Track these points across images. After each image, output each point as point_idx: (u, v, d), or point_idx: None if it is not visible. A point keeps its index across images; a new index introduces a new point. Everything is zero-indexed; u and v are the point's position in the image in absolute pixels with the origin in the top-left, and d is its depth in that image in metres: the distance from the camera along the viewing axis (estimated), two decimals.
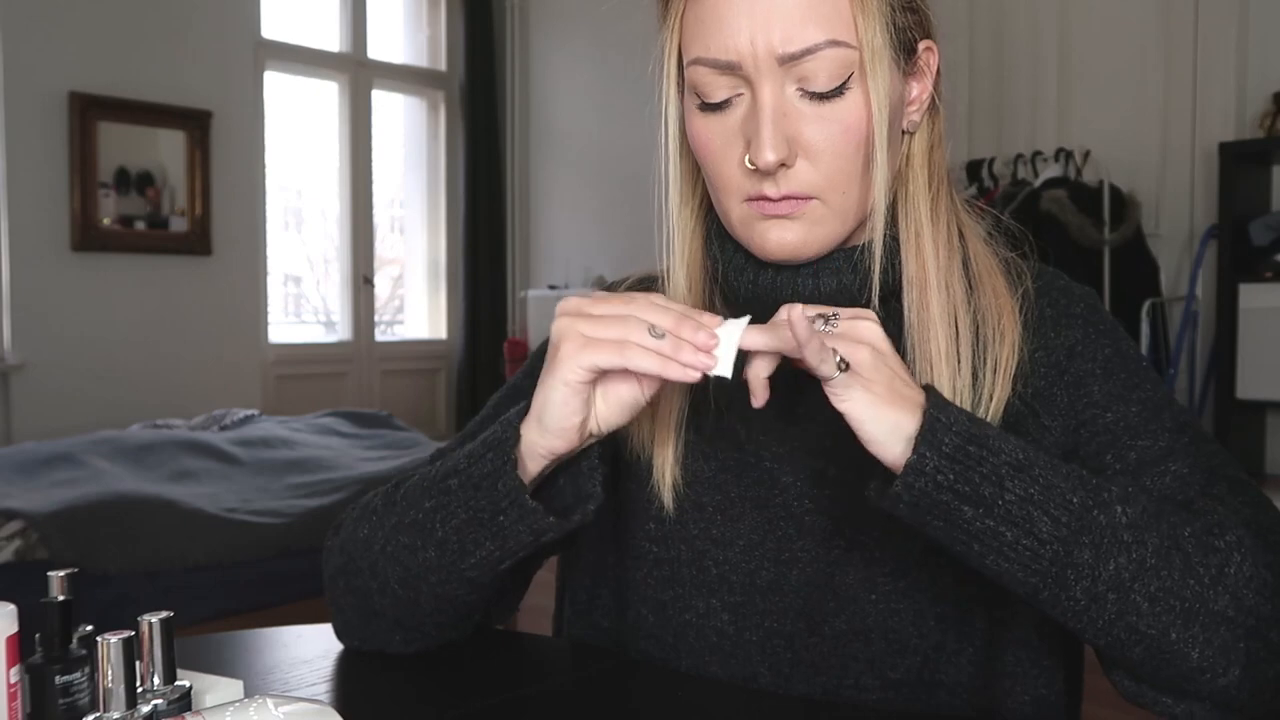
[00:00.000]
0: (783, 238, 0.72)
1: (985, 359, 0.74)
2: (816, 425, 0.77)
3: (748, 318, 0.63)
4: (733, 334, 0.62)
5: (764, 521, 0.77)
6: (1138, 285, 3.17)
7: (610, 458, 0.82)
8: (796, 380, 0.76)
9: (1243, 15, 3.14)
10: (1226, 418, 2.95)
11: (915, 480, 0.61)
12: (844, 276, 0.74)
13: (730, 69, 0.69)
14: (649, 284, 0.85)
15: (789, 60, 0.68)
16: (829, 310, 0.65)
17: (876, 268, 0.73)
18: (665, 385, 0.76)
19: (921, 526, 0.63)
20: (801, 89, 0.69)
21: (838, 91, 0.69)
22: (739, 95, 0.71)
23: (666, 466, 0.78)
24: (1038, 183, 3.26)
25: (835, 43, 0.67)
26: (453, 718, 0.70)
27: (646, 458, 0.79)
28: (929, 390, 0.64)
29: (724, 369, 0.62)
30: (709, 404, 0.79)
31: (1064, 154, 3.31)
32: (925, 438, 0.61)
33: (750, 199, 0.72)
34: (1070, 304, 0.78)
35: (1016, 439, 0.64)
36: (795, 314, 0.59)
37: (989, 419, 0.73)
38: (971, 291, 0.76)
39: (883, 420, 0.62)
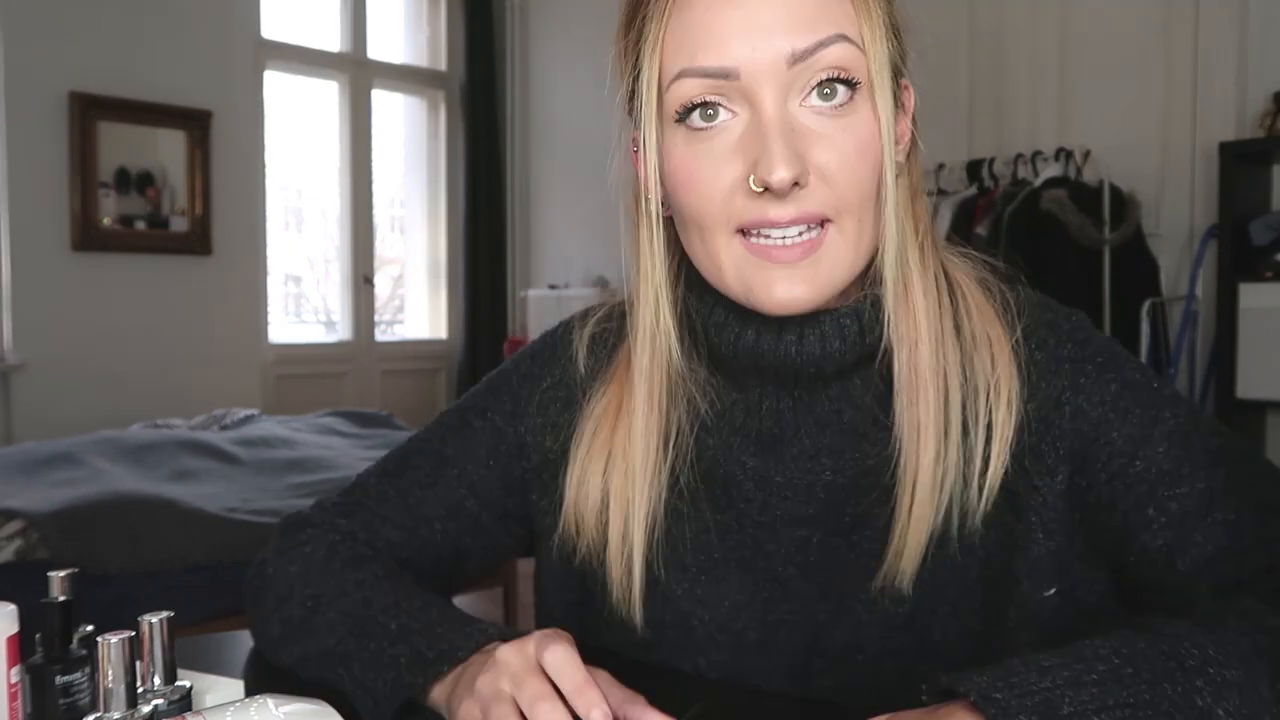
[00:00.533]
0: (793, 292, 0.66)
1: (979, 420, 0.69)
2: (797, 492, 0.74)
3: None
4: None
5: (750, 583, 0.75)
6: (1138, 285, 3.17)
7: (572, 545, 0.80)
8: (774, 448, 0.75)
9: (1243, 15, 3.14)
10: (1226, 418, 2.95)
11: None
12: (829, 343, 0.70)
13: (726, 77, 0.64)
14: (606, 318, 0.83)
15: (800, 59, 0.63)
16: None
17: (889, 291, 0.68)
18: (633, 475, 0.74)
19: None
20: (806, 103, 0.65)
21: (848, 100, 0.64)
22: (732, 116, 0.65)
23: (636, 572, 0.74)
24: (1038, 182, 3.25)
25: (844, 37, 0.64)
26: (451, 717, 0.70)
27: (603, 540, 0.76)
28: (979, 704, 0.54)
29: None
30: (686, 465, 0.75)
31: (1064, 154, 3.31)
32: None
33: (746, 230, 0.66)
34: (1059, 344, 0.72)
35: (1085, 691, 0.53)
36: None
37: (986, 490, 0.69)
38: (964, 345, 0.71)
39: None
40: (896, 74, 0.68)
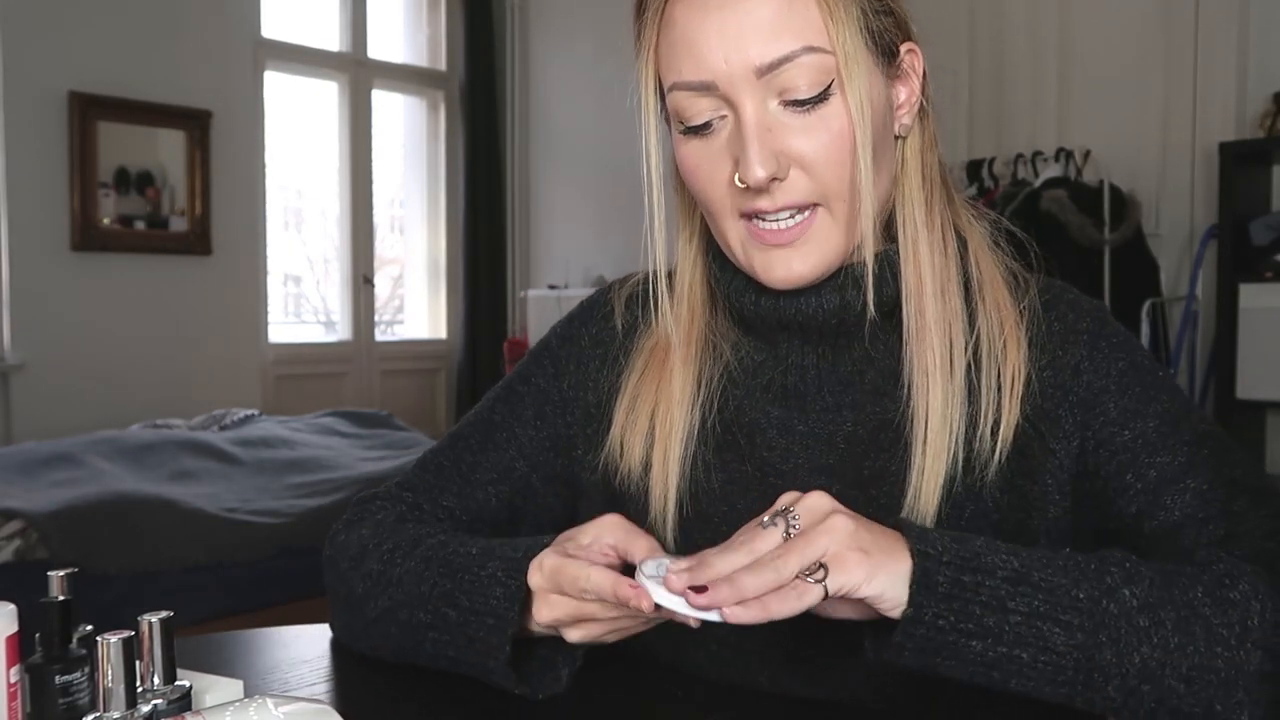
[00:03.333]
0: (791, 269, 0.72)
1: (986, 375, 0.73)
2: (819, 442, 0.77)
3: (661, 565, 0.62)
4: (669, 598, 0.61)
5: None
6: (1138, 285, 3.17)
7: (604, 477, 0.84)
8: (799, 402, 0.78)
9: (1243, 15, 3.14)
10: (1226, 418, 2.95)
11: (915, 629, 0.59)
12: (846, 293, 0.74)
13: (708, 89, 0.69)
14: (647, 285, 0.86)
15: (767, 71, 0.68)
16: (780, 507, 0.63)
17: (869, 275, 0.72)
18: (668, 416, 0.79)
19: (932, 669, 0.60)
20: (784, 100, 0.69)
21: (821, 98, 0.69)
22: (721, 118, 0.71)
23: (670, 505, 0.78)
24: (1038, 183, 3.25)
25: (811, 49, 0.68)
26: (453, 717, 0.70)
27: (643, 487, 0.80)
28: (903, 523, 0.63)
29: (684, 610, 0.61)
30: (714, 414, 0.79)
31: (1064, 154, 3.31)
32: (919, 581, 0.59)
33: (745, 215, 0.72)
34: (1078, 319, 0.76)
35: (1001, 543, 0.62)
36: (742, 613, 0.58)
37: (1000, 442, 0.72)
38: (971, 301, 0.75)
39: (894, 582, 0.59)
40: (888, 49, 0.72)
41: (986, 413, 0.73)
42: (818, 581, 0.58)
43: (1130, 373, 0.74)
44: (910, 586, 0.59)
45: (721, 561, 0.59)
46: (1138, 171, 3.31)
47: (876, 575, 0.59)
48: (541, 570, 0.66)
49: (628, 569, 0.66)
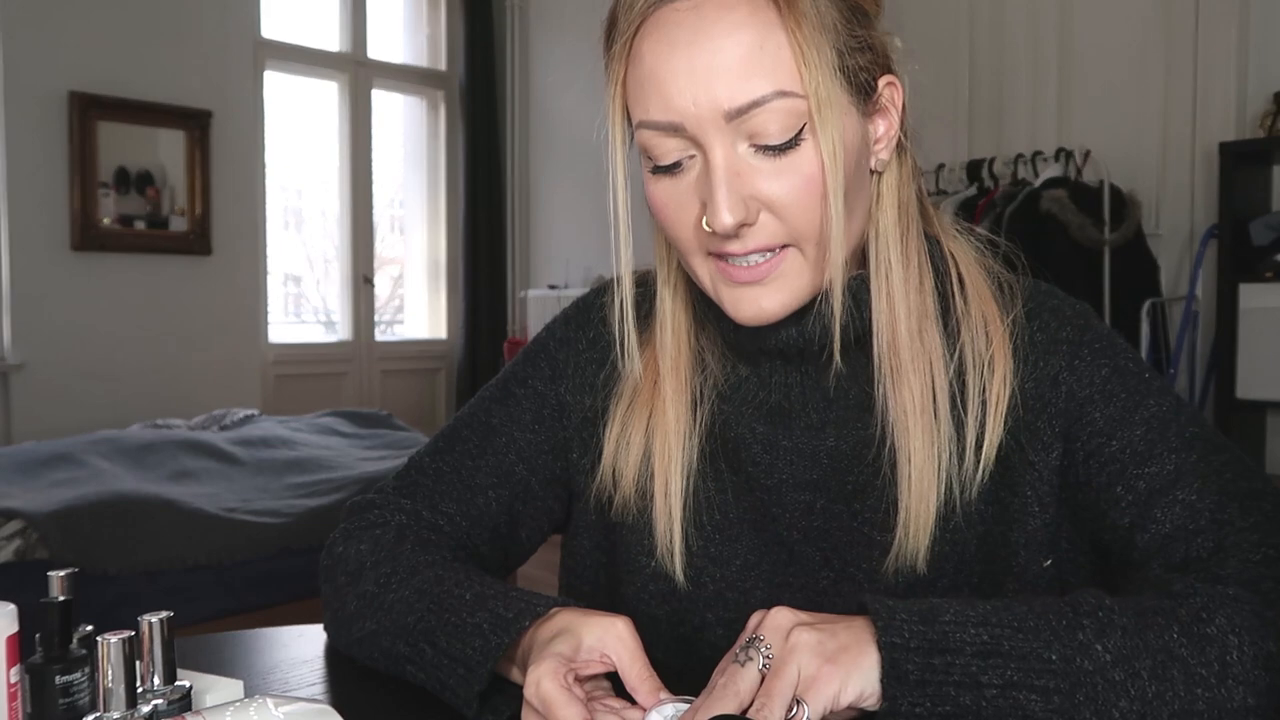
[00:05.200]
0: (760, 307, 0.70)
1: (972, 396, 0.73)
2: (802, 458, 0.77)
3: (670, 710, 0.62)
4: None
5: (761, 544, 0.78)
6: (1138, 285, 3.17)
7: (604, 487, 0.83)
8: (784, 420, 0.78)
9: (1243, 15, 3.14)
10: (1226, 418, 2.95)
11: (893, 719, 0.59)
12: (829, 321, 0.73)
13: (675, 130, 0.67)
14: (639, 283, 0.84)
15: (736, 116, 0.65)
16: (749, 636, 0.62)
17: (836, 323, 0.72)
18: (664, 439, 0.79)
19: None
20: (754, 144, 0.67)
21: (792, 143, 0.66)
22: (690, 157, 0.69)
23: (676, 539, 0.78)
24: (1038, 183, 3.25)
25: (783, 93, 0.65)
26: (453, 717, 0.70)
27: (645, 518, 0.80)
28: (869, 603, 0.61)
29: None
30: (704, 427, 0.80)
31: (1064, 154, 3.30)
32: (889, 673, 0.58)
33: (714, 255, 0.70)
34: (1059, 326, 0.75)
35: (972, 608, 0.61)
36: None
37: (982, 464, 0.72)
38: (953, 322, 0.75)
39: (868, 678, 0.59)
40: (865, 86, 0.69)
41: (971, 435, 0.72)
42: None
43: (1114, 379, 0.73)
44: (881, 681, 0.58)
45: (711, 713, 0.58)
46: (1138, 171, 3.31)
47: (850, 679, 0.59)
48: (537, 690, 0.62)
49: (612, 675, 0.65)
